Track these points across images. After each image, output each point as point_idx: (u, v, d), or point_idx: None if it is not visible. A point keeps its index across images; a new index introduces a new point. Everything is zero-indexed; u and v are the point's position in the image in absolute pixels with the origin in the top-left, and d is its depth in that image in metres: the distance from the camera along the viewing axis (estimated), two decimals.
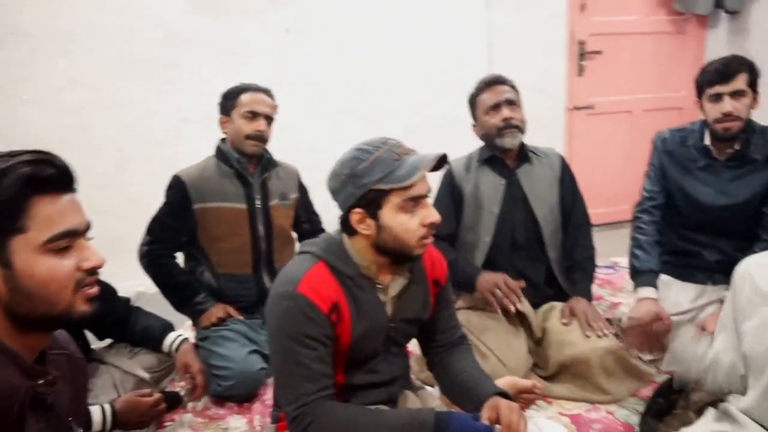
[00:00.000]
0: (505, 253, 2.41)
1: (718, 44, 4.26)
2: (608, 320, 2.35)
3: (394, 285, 1.52)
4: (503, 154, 2.41)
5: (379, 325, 1.50)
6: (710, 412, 1.47)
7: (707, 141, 2.36)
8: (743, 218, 2.32)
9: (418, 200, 1.42)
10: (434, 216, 1.44)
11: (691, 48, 4.38)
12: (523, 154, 2.44)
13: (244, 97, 2.37)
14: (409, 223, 1.41)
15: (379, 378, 1.54)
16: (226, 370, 2.19)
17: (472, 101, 2.44)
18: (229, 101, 2.39)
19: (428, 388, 1.78)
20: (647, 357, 2.29)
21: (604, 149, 4.34)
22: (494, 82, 2.40)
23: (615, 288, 3.22)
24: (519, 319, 2.33)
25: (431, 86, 3.83)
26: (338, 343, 1.44)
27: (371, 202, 1.40)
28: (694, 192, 2.39)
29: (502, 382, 1.77)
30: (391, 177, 1.38)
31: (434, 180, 2.38)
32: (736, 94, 2.20)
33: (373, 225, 1.42)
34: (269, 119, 2.41)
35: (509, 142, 2.34)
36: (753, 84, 2.23)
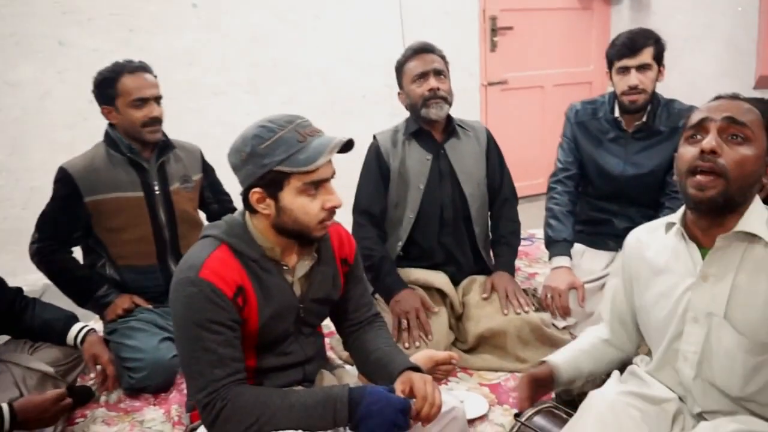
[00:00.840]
0: (431, 230, 2.38)
1: (621, 20, 4.41)
2: (525, 290, 2.41)
3: (300, 266, 1.49)
4: (430, 127, 2.37)
5: (288, 306, 1.46)
6: (617, 374, 1.51)
7: (617, 113, 2.44)
8: (650, 187, 2.42)
9: (320, 183, 1.38)
10: (336, 200, 1.40)
11: (598, 23, 4.51)
12: (451, 128, 2.40)
13: (127, 83, 2.16)
14: (309, 207, 1.38)
15: (292, 359, 1.50)
16: (137, 361, 2.10)
17: (399, 68, 2.38)
18: (107, 89, 2.17)
19: (347, 366, 1.76)
20: (561, 324, 2.35)
21: (518, 124, 4.42)
22: (423, 50, 2.34)
23: (531, 259, 3.30)
24: (440, 296, 2.35)
25: (343, 62, 3.79)
26: (246, 327, 1.39)
27: (272, 183, 1.36)
28: (604, 162, 2.47)
29: (420, 356, 1.78)
30: (293, 160, 1.33)
31: (357, 155, 2.37)
32: (642, 68, 2.28)
33: (272, 205, 1.38)
34: (158, 99, 2.25)
35: (435, 113, 2.29)
36: (659, 57, 2.31)
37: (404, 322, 2.18)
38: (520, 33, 4.30)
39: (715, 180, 1.24)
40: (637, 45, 2.28)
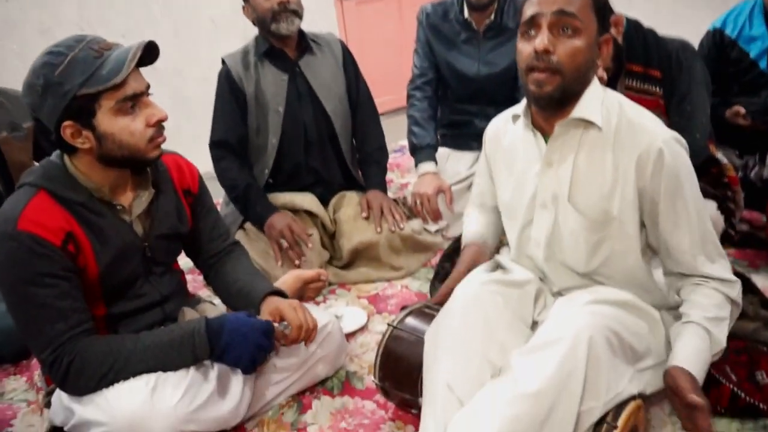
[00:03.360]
0: (296, 153, 2.29)
1: None
2: (395, 200, 2.41)
3: (137, 202, 1.38)
4: (281, 44, 2.22)
5: (130, 247, 1.36)
6: (483, 266, 1.54)
7: (466, 14, 2.42)
8: (505, 85, 2.44)
9: (136, 99, 1.26)
10: (160, 113, 1.29)
11: None
12: (304, 44, 2.27)
13: None
14: (132, 126, 1.26)
15: (147, 301, 1.42)
16: None
17: None
18: None
19: (215, 301, 1.70)
20: (434, 228, 2.38)
21: (378, 38, 4.34)
22: None
23: (403, 170, 3.32)
24: (310, 217, 2.30)
25: None
26: (86, 275, 1.29)
27: (80, 110, 1.22)
28: (458, 64, 2.47)
29: (288, 278, 1.75)
30: (95, 78, 1.20)
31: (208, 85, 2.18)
32: None
33: (91, 136, 1.25)
34: None
35: (286, 28, 2.15)
36: None
37: (284, 243, 2.12)
38: None
39: (552, 76, 1.25)
40: None
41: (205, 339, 1.28)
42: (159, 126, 1.30)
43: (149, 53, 1.26)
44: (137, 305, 1.40)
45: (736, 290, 1.29)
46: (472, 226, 1.67)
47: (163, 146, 1.36)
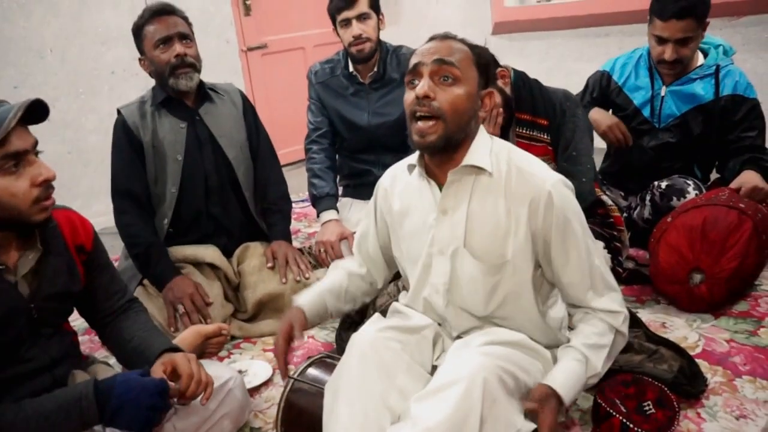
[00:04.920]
0: (197, 202, 2.25)
1: None
2: (301, 250, 2.40)
3: (23, 261, 1.31)
4: (179, 95, 2.20)
5: (14, 310, 1.28)
6: (377, 315, 1.55)
7: (351, 68, 2.51)
8: (398, 133, 2.53)
9: (20, 157, 1.21)
10: (47, 172, 1.24)
11: None
12: (203, 92, 2.25)
13: None
14: (14, 187, 1.20)
15: (34, 365, 1.33)
16: None
17: (137, 32, 2.15)
18: None
19: (110, 361, 1.62)
20: None
21: (284, 88, 4.38)
22: (163, 11, 2.13)
23: (310, 219, 3.33)
24: (213, 270, 2.26)
25: (82, 35, 3.45)
26: None
27: None
28: (350, 117, 2.56)
29: (187, 334, 1.70)
30: None
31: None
32: (361, 18, 2.39)
33: None
34: None
35: (185, 84, 2.13)
36: (375, 6, 2.44)
37: (180, 308, 2.05)
38: None
39: (435, 125, 1.30)
40: None
41: (94, 403, 1.21)
42: (46, 186, 1.24)
43: (39, 111, 1.22)
44: (23, 370, 1.31)
45: (619, 320, 1.37)
46: (323, 290, 1.68)
47: (59, 200, 1.31)
